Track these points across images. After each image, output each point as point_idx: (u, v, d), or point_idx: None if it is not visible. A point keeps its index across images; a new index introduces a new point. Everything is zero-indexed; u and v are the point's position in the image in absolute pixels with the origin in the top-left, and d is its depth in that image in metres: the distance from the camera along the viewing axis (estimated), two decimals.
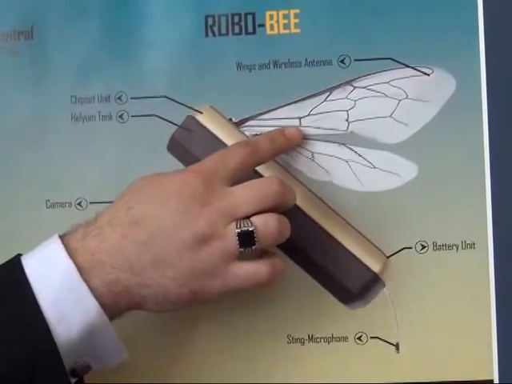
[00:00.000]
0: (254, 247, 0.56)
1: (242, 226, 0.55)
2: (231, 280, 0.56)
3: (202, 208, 0.55)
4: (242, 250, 0.55)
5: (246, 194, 0.56)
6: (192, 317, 0.65)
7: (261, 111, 0.66)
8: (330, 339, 0.65)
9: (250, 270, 0.56)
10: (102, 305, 0.53)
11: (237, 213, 0.56)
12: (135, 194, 0.56)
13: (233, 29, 0.66)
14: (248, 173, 0.59)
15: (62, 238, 0.55)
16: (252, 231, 0.55)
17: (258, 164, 0.60)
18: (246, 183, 0.57)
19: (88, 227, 0.56)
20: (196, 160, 0.62)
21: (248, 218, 0.56)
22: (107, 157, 0.67)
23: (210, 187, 0.55)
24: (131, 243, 0.54)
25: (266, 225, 0.56)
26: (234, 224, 0.55)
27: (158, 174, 0.57)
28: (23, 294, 0.53)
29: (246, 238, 0.55)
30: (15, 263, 0.54)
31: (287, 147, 0.63)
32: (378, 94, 0.65)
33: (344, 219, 0.65)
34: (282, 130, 0.63)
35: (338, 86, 0.65)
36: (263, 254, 0.57)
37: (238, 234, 0.55)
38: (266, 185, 0.57)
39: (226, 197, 0.56)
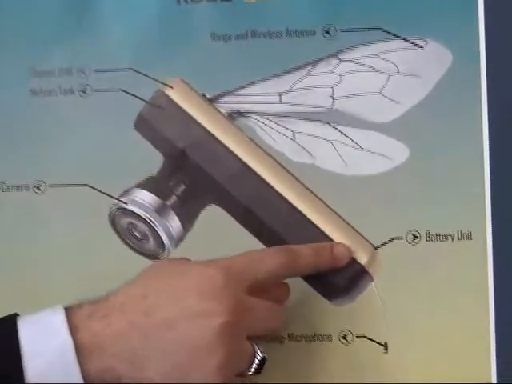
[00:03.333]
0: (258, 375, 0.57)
1: (261, 351, 0.56)
2: None
3: (222, 313, 0.53)
4: (251, 375, 0.56)
5: (264, 315, 0.56)
6: None
7: (237, 86, 0.64)
8: (311, 338, 0.63)
9: None
10: None
11: (255, 330, 0.55)
12: (154, 282, 0.54)
13: None
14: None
15: (66, 309, 0.53)
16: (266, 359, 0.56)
17: (293, 276, 0.60)
18: (264, 303, 0.56)
19: (96, 305, 0.53)
20: (165, 140, 0.62)
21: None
22: (68, 135, 0.65)
23: (233, 292, 0.54)
24: (139, 333, 0.52)
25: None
26: (251, 345, 0.55)
27: (181, 262, 0.57)
28: (11, 359, 0.51)
29: (261, 366, 0.56)
30: (10, 324, 0.52)
31: (331, 265, 0.61)
32: (367, 68, 0.63)
33: (328, 206, 0.62)
34: (330, 246, 0.61)
35: (322, 59, 0.63)
36: None
37: (260, 360, 0.56)
38: (279, 314, 0.58)
39: (247, 309, 0.54)
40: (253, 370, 0.55)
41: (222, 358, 0.52)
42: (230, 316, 0.52)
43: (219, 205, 0.62)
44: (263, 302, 0.56)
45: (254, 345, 0.55)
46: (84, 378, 0.51)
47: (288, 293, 0.60)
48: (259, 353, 0.55)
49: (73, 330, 0.52)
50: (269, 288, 0.57)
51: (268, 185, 0.62)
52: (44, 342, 0.51)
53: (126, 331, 0.52)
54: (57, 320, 0.52)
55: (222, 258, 0.55)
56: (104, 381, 0.52)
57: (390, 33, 0.62)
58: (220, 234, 0.63)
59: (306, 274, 0.60)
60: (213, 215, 0.63)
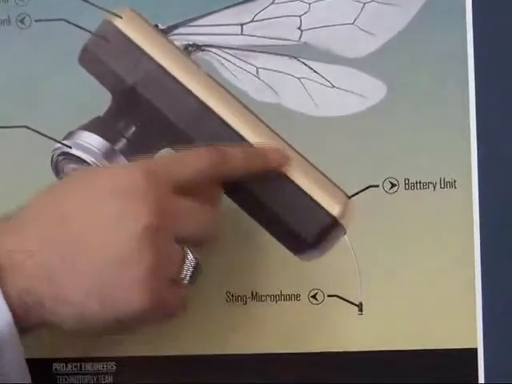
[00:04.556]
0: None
1: (194, 256, 0.53)
2: (157, 306, 0.51)
3: (144, 215, 0.49)
4: (186, 283, 0.52)
5: (193, 216, 0.53)
6: None
7: (194, 16, 0.62)
8: (278, 297, 0.61)
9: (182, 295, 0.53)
10: (14, 316, 0.48)
11: (184, 233, 0.52)
12: (68, 188, 0.52)
13: None
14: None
15: None
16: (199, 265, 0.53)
17: (222, 179, 0.57)
18: (192, 203, 0.53)
19: (8, 222, 0.50)
20: (114, 75, 0.60)
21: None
22: (5, 71, 0.62)
23: (156, 191, 0.51)
24: (54, 249, 0.49)
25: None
26: (182, 249, 0.52)
27: (98, 167, 0.55)
28: None
29: (195, 273, 0.52)
30: None
31: (263, 170, 0.59)
32: None
33: (296, 151, 0.60)
34: (262, 150, 0.59)
35: None
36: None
37: (193, 266, 0.52)
38: (210, 215, 0.54)
39: (173, 209, 0.51)
40: (187, 277, 0.52)
41: (147, 265, 0.49)
42: (153, 217, 0.49)
43: (174, 149, 0.59)
44: (191, 203, 0.53)
45: (185, 249, 0.52)
46: (8, 304, 0.48)
47: (220, 194, 0.57)
48: (191, 257, 0.52)
49: None
50: (197, 190, 0.54)
51: (228, 126, 0.59)
52: None
53: (40, 247, 0.49)
54: None
55: (142, 159, 0.53)
56: (27, 304, 0.49)
57: None
58: None
59: (235, 178, 0.57)
60: None
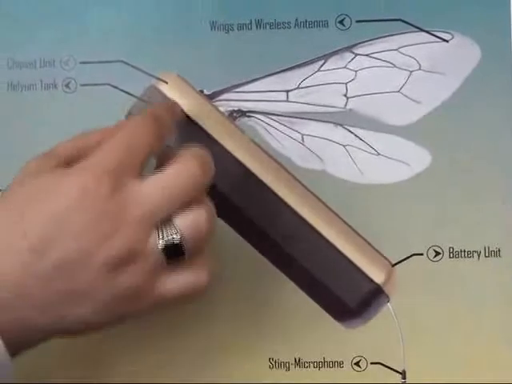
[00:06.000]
0: (183, 258, 0.49)
1: (165, 236, 0.48)
2: (163, 296, 0.49)
3: (114, 222, 0.47)
4: (170, 263, 0.49)
5: (163, 191, 0.48)
6: (154, 338, 0.60)
7: (239, 82, 0.61)
8: (321, 364, 0.60)
9: (185, 281, 0.50)
10: (7, 342, 0.47)
11: (156, 218, 0.48)
12: (27, 212, 0.48)
13: None
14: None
15: None
16: (179, 242, 0.48)
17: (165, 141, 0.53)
18: (160, 175, 0.49)
19: None
20: None
21: (170, 219, 0.49)
22: (50, 135, 0.58)
23: (118, 190, 0.47)
24: (32, 277, 0.47)
25: (196, 228, 0.48)
26: (155, 236, 0.48)
27: (43, 177, 0.48)
28: None
29: (174, 251, 0.48)
30: None
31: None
32: (385, 63, 0.60)
33: (340, 218, 0.58)
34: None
35: (335, 53, 0.61)
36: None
37: (164, 249, 0.48)
38: (186, 175, 0.49)
39: (140, 200, 0.47)
40: (167, 261, 0.48)
41: (137, 268, 0.47)
42: (124, 221, 0.46)
43: (218, 215, 0.55)
44: (155, 179, 0.48)
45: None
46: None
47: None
48: (171, 234, 0.48)
49: None
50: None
51: (272, 192, 0.57)
52: None
53: (18, 276, 0.46)
54: None
55: (88, 161, 0.47)
56: (24, 329, 0.47)
57: (411, 24, 0.60)
58: (220, 247, 0.58)
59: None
60: None
